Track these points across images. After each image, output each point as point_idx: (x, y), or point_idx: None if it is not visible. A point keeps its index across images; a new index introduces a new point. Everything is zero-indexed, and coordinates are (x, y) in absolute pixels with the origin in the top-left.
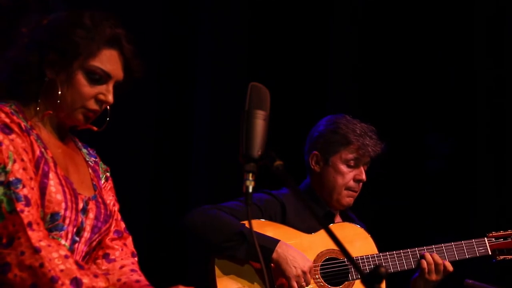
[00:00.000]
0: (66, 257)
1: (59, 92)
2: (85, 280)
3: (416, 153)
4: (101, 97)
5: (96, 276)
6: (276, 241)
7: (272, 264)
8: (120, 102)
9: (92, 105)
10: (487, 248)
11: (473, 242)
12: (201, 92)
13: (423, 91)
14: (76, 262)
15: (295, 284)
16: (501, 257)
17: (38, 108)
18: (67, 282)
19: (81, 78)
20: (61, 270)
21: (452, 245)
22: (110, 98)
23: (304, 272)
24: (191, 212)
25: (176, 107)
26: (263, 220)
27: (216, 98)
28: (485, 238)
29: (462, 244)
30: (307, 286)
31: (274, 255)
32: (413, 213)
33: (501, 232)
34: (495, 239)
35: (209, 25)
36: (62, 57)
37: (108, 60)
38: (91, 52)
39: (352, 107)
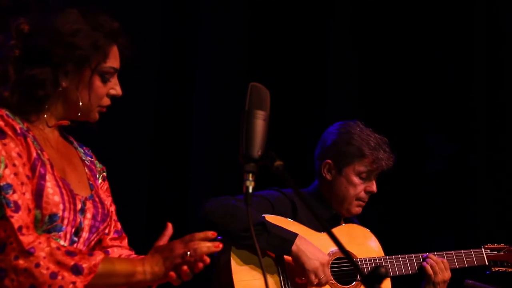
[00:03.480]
0: (58, 248)
1: (76, 98)
2: (84, 264)
3: (416, 153)
4: (113, 92)
5: (91, 254)
6: (295, 234)
7: (289, 257)
8: (120, 100)
9: (106, 101)
10: (484, 259)
11: (471, 252)
12: (200, 92)
13: (423, 91)
14: (67, 252)
15: (313, 276)
16: (496, 268)
17: (45, 116)
18: (66, 274)
19: (97, 81)
20: (58, 263)
21: (452, 253)
22: (120, 90)
23: (322, 265)
24: (209, 202)
25: (176, 106)
26: (277, 216)
27: (215, 97)
28: (482, 249)
29: (461, 253)
30: (324, 279)
31: (294, 248)
32: (413, 213)
33: (495, 245)
34: (490, 251)
35: (209, 25)
36: (76, 67)
37: (115, 57)
38: (104, 55)
39: (352, 107)
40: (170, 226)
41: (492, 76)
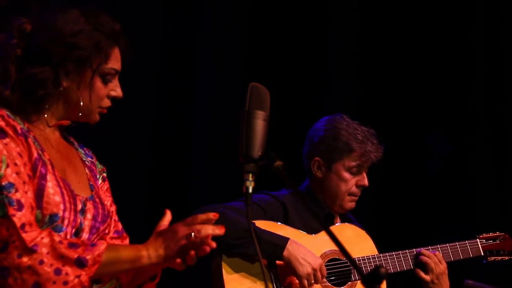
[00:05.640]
0: (60, 242)
1: (77, 99)
2: (88, 256)
3: (416, 153)
4: (113, 93)
5: (93, 245)
6: (286, 239)
7: (280, 262)
8: (120, 102)
9: (107, 103)
10: (480, 249)
11: (466, 243)
12: (201, 92)
13: (423, 91)
14: (70, 244)
15: (305, 282)
16: (492, 258)
17: (46, 116)
18: (70, 269)
19: (98, 82)
20: (62, 257)
21: (447, 246)
22: (120, 92)
23: (314, 270)
24: (198, 210)
25: (176, 107)
26: (268, 221)
27: (216, 97)
28: (477, 240)
29: (456, 245)
30: (317, 283)
31: (285, 253)
32: (413, 213)
33: (490, 234)
34: (485, 241)
35: (209, 26)
36: (77, 68)
37: (116, 58)
38: (106, 56)
39: (352, 107)
40: (168, 213)
41: (492, 76)
